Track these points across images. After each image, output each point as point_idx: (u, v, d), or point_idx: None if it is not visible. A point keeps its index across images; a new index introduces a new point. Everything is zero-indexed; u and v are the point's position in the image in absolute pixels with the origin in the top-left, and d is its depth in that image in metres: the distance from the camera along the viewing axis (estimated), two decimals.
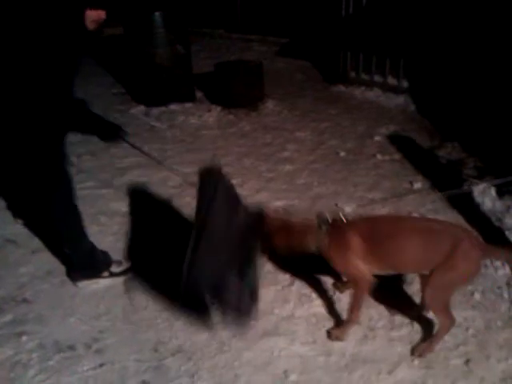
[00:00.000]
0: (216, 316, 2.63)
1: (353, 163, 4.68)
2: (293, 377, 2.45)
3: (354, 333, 2.68)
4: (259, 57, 7.78)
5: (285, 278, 3.13)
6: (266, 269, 3.20)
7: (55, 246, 3.32)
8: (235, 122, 5.71)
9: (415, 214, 3.67)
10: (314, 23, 8.34)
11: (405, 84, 6.24)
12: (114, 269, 3.13)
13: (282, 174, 4.50)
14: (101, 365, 2.57)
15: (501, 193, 3.73)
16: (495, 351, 2.53)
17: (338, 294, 2.98)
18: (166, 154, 4.90)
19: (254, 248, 2.65)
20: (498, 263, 3.10)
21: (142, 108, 6.13)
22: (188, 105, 6.01)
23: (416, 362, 2.49)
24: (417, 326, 2.70)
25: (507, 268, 3.06)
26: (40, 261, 3.33)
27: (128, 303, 2.96)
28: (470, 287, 2.94)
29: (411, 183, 4.23)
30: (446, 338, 2.60)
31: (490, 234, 3.40)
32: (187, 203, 3.78)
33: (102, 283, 3.09)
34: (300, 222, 2.67)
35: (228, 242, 2.47)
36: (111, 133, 3.03)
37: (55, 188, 2.84)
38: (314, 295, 2.98)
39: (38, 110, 2.58)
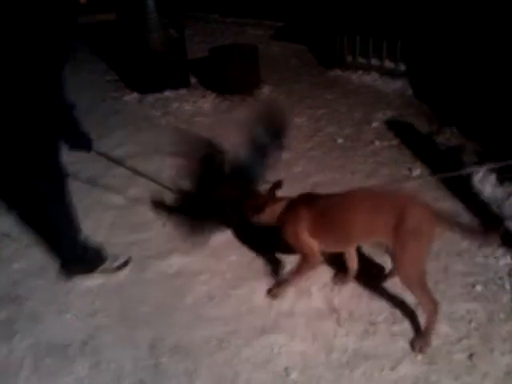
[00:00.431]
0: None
1: (350, 150, 4.58)
2: (294, 374, 2.39)
3: (354, 327, 2.62)
4: (254, 41, 7.61)
5: (283, 272, 3.04)
6: (266, 261, 3.12)
7: (49, 240, 3.23)
8: (231, 108, 5.58)
9: None
10: (310, 6, 8.15)
11: (402, 67, 6.11)
12: (109, 264, 3.04)
13: (279, 162, 4.39)
14: (97, 364, 2.50)
15: (501, 180, 3.64)
16: (499, 344, 2.47)
17: (338, 287, 2.90)
18: (159, 142, 4.78)
19: None
20: (498, 253, 3.02)
21: (135, 95, 6.00)
22: (182, 91, 5.87)
23: (419, 357, 2.42)
24: (419, 320, 2.61)
25: (509, 258, 2.99)
26: (34, 256, 3.24)
27: (124, 299, 2.87)
28: (471, 279, 2.88)
29: (410, 170, 4.14)
30: (449, 331, 2.54)
31: (490, 221, 3.33)
32: (182, 195, 3.69)
33: (97, 279, 3.00)
34: (264, 196, 2.82)
35: None
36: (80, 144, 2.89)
37: (48, 182, 2.74)
38: (313, 289, 2.90)
39: (29, 100, 2.46)
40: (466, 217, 3.42)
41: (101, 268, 3.03)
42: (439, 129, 4.79)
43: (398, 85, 5.96)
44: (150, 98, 5.89)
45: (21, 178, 2.97)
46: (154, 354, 2.53)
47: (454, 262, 3.04)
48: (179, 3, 6.05)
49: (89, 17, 8.23)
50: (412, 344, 2.48)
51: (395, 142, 4.66)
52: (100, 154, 3.05)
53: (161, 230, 3.50)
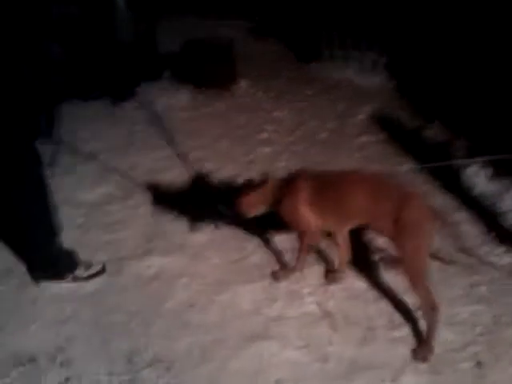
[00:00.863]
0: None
1: (335, 145, 4.37)
2: None
3: (351, 333, 2.40)
4: (230, 36, 7.33)
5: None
6: (252, 262, 2.88)
7: (14, 242, 2.92)
8: (207, 102, 5.31)
9: None
10: (286, 0, 7.91)
11: (383, 60, 5.91)
12: (81, 272, 2.75)
13: (261, 157, 4.17)
14: (67, 379, 2.24)
15: (493, 175, 3.47)
16: (507, 350, 2.27)
17: (331, 288, 2.68)
18: (134, 138, 4.49)
19: None
20: (500, 251, 2.85)
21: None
22: (157, 85, 5.56)
23: (422, 366, 2.21)
24: (420, 324, 2.41)
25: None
26: None
27: (98, 306, 2.60)
28: (472, 278, 2.68)
29: (399, 165, 3.94)
30: (453, 337, 2.36)
31: (483, 217, 3.17)
32: (159, 192, 3.44)
33: (66, 286, 2.71)
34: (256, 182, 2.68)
35: None
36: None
37: (21, 182, 2.45)
38: (304, 291, 2.68)
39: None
40: (458, 212, 3.24)
41: (72, 275, 2.73)
42: (425, 123, 4.61)
43: (379, 79, 5.77)
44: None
45: None
46: (131, 367, 2.28)
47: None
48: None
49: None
50: (414, 353, 2.28)
51: (381, 136, 4.47)
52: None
53: (137, 228, 3.23)
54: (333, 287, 2.69)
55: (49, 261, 2.68)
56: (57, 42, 5.24)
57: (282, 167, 3.98)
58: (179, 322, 2.50)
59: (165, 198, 3.42)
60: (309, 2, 6.57)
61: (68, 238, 2.96)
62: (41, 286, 2.70)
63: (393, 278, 2.67)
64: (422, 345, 2.29)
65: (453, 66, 4.96)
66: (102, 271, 2.81)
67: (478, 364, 2.22)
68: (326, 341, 2.37)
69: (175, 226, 3.21)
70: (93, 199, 3.52)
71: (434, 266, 2.73)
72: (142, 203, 3.44)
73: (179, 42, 5.95)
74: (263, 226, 3.08)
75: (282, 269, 2.81)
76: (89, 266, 2.80)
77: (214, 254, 2.99)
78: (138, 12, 5.59)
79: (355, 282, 2.73)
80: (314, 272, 2.81)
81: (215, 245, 3.07)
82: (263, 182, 2.65)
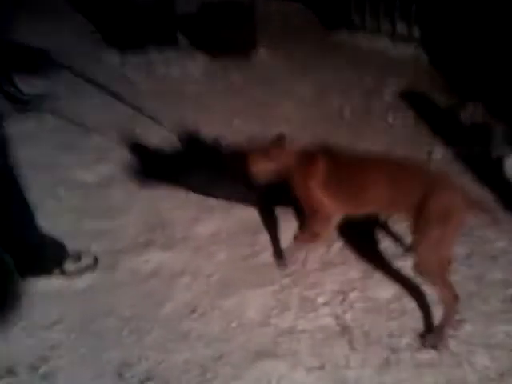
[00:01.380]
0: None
1: (360, 126, 4.01)
2: None
3: (371, 354, 2.12)
4: None
5: (284, 274, 2.52)
6: (262, 260, 2.59)
7: None
8: (224, 74, 4.94)
9: None
10: None
11: (416, 32, 5.45)
12: (71, 264, 2.49)
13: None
14: None
15: None
16: None
17: (350, 298, 2.38)
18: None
19: None
20: None
21: (116, 55, 5.29)
22: (169, 52, 5.20)
23: None
24: (451, 345, 2.11)
25: None
26: None
27: (88, 308, 2.34)
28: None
29: (429, 153, 3.58)
30: (487, 363, 2.08)
31: None
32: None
33: (55, 282, 2.45)
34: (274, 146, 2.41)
35: None
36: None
37: None
38: (320, 299, 2.39)
39: None
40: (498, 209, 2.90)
41: (60, 268, 2.47)
42: (460, 103, 4.20)
43: (411, 51, 5.32)
44: (133, 59, 5.21)
45: None
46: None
47: (489, 269, 2.53)
48: None
49: None
50: (422, 338, 2.12)
51: (411, 117, 4.10)
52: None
53: (137, 216, 2.96)
54: (352, 296, 2.39)
55: (32, 252, 2.41)
56: None
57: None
58: (177, 332, 2.23)
59: (169, 181, 3.12)
60: None
61: (61, 224, 2.72)
62: (26, 283, 2.43)
63: (420, 288, 2.36)
64: (434, 331, 2.12)
65: (495, 39, 4.51)
66: (94, 265, 2.54)
67: None
68: (342, 362, 2.09)
69: (178, 215, 2.93)
70: (92, 180, 3.23)
71: (467, 275, 2.43)
72: (145, 186, 3.13)
73: (196, 2, 5.53)
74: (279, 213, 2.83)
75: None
76: (78, 257, 2.53)
77: (220, 248, 2.70)
78: None
79: (377, 292, 2.43)
80: (330, 276, 2.50)
81: (222, 238, 2.79)
82: (278, 142, 2.40)
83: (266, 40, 5.51)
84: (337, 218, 2.45)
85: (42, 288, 2.42)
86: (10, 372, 2.06)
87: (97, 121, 3.79)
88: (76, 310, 2.34)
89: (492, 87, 4.20)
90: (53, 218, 2.71)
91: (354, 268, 2.57)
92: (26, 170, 2.34)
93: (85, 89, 3.75)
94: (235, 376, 2.04)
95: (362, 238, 2.74)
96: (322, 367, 2.07)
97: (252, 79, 4.84)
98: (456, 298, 2.09)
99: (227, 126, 3.90)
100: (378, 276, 2.51)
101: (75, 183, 3.19)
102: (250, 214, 2.92)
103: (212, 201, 3.02)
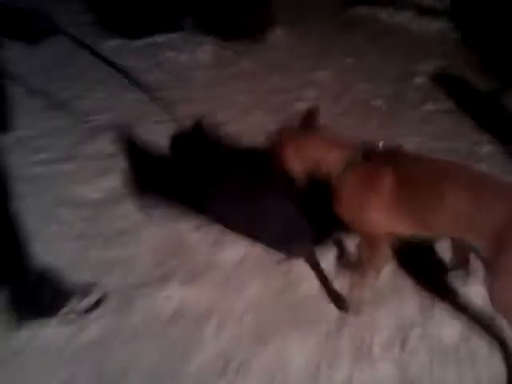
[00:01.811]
0: None
1: (394, 116, 3.59)
2: None
3: None
4: None
5: (332, 313, 2.14)
6: (298, 294, 2.22)
7: None
8: (235, 59, 4.51)
9: None
10: None
11: (444, 3, 4.96)
12: (75, 305, 2.12)
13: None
14: None
15: None
16: None
17: (411, 336, 2.01)
18: (147, 105, 3.74)
19: None
20: None
21: (117, 42, 4.85)
22: (175, 37, 4.76)
23: None
24: None
25: None
26: None
27: (99, 363, 1.98)
28: None
29: (478, 145, 3.17)
30: None
31: None
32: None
33: (58, 329, 2.08)
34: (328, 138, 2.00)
35: None
36: None
37: None
38: (377, 342, 2.01)
39: None
40: None
41: (63, 311, 2.11)
42: (503, 87, 3.77)
43: (439, 26, 4.86)
44: (137, 44, 4.76)
45: None
46: None
47: None
48: None
49: None
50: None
51: (450, 103, 3.68)
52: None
53: (151, 240, 2.57)
54: (413, 337, 2.02)
55: (29, 295, 2.04)
56: None
57: None
58: None
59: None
60: None
61: (62, 256, 2.34)
62: (22, 333, 2.06)
63: (493, 323, 2.00)
64: None
65: None
66: (101, 301, 2.18)
67: None
68: None
69: (198, 238, 2.54)
70: (96, 197, 2.85)
71: None
72: (157, 203, 2.75)
73: None
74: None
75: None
76: (84, 294, 2.17)
77: (250, 280, 2.33)
78: None
79: (441, 330, 2.06)
80: (384, 311, 2.14)
81: (250, 266, 2.41)
82: (314, 130, 2.00)
83: (281, 18, 5.04)
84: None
85: (41, 342, 2.05)
86: None
87: (96, 118, 3.37)
88: (84, 366, 1.97)
89: None
90: (51, 248, 2.33)
91: (410, 299, 2.20)
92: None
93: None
94: None
95: (413, 259, 2.36)
96: None
97: (266, 65, 4.41)
98: None
99: (240, 122, 3.48)
100: (439, 308, 2.13)
101: (76, 202, 2.79)
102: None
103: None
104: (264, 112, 3.67)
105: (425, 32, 4.85)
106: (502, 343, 1.97)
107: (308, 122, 2.01)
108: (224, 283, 2.31)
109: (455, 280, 2.23)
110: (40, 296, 2.10)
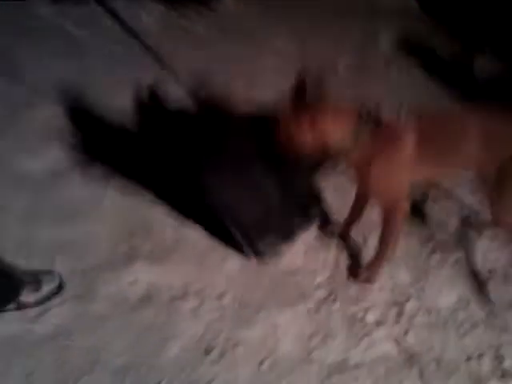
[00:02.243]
0: None
1: (359, 84, 3.46)
2: None
3: None
4: None
5: (317, 288, 2.00)
6: (282, 267, 2.05)
7: None
8: (184, 24, 4.23)
9: None
10: None
11: None
12: (28, 295, 1.86)
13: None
14: None
15: None
16: None
17: (407, 308, 1.89)
18: (88, 74, 3.42)
19: None
20: None
21: (52, 7, 4.46)
22: (117, 2, 4.41)
23: None
24: None
25: None
26: None
27: (62, 361, 1.73)
28: None
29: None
30: None
31: None
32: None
33: (12, 326, 1.82)
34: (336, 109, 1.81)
35: None
36: None
37: None
38: (371, 317, 1.91)
39: None
40: None
41: (16, 302, 1.85)
42: (467, 52, 3.73)
43: None
44: (72, 11, 4.39)
45: None
46: None
47: None
48: None
49: None
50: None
51: (415, 71, 3.59)
52: None
53: (108, 217, 2.32)
54: (409, 309, 1.91)
55: None
56: None
57: None
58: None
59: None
60: None
61: (6, 238, 2.05)
62: None
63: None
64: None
65: None
66: (59, 289, 1.93)
67: None
68: None
69: (164, 212, 2.31)
70: (40, 169, 2.54)
71: None
72: (112, 174, 2.49)
73: None
74: None
75: (368, 266, 2.01)
76: (37, 282, 1.91)
77: (227, 254, 2.14)
78: None
79: (438, 298, 1.95)
80: (376, 282, 2.00)
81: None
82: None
83: None
84: None
85: None
86: None
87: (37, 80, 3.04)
88: (46, 364, 1.73)
89: (502, 33, 3.74)
90: None
91: (403, 267, 2.07)
92: None
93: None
94: None
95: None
96: None
97: (220, 32, 4.15)
98: None
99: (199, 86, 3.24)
100: (434, 275, 2.03)
101: (18, 176, 2.48)
102: None
103: None
104: (225, 82, 3.44)
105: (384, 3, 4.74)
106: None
107: (302, 94, 1.80)
108: (197, 260, 2.12)
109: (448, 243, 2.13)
110: None
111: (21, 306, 1.87)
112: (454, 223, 2.28)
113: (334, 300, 1.95)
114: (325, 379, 1.70)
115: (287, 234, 2.12)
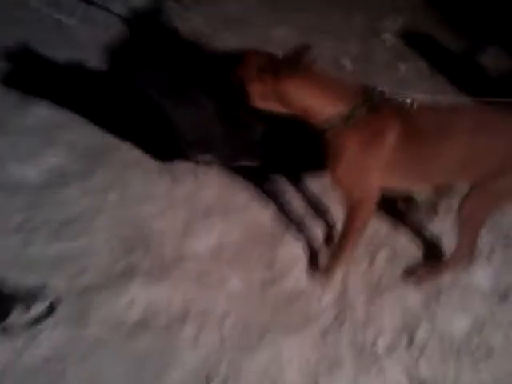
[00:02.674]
0: None
1: (366, 77, 3.33)
2: None
3: None
4: None
5: (324, 310, 1.92)
6: (287, 288, 1.98)
7: None
8: (179, 13, 4.08)
9: None
10: None
11: None
12: (19, 315, 1.78)
13: None
14: None
15: None
16: None
17: (418, 334, 1.83)
18: (83, 65, 3.30)
19: None
20: None
21: None
22: None
23: None
24: None
25: None
26: None
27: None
28: None
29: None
30: None
31: None
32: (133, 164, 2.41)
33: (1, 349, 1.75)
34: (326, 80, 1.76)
35: None
36: None
37: None
38: (381, 344, 1.82)
39: None
40: None
41: (5, 323, 1.77)
42: (476, 46, 3.61)
43: None
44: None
45: None
46: None
47: None
48: None
49: None
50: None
51: (423, 64, 3.47)
52: None
53: (107, 229, 2.24)
54: (420, 335, 1.84)
55: None
56: None
57: None
58: None
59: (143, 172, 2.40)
60: None
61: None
62: None
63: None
64: None
65: None
66: (49, 313, 1.85)
67: None
68: None
69: (164, 224, 2.23)
70: (37, 178, 2.44)
71: None
72: (111, 182, 2.39)
73: None
74: None
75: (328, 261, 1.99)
76: (31, 299, 1.84)
77: (230, 271, 2.07)
78: None
79: (449, 323, 1.87)
80: (385, 305, 1.92)
81: (227, 256, 2.15)
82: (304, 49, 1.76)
83: None
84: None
85: None
86: None
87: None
88: None
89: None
90: None
91: (411, 291, 1.99)
92: None
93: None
94: None
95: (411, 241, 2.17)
96: None
97: (218, 20, 4.01)
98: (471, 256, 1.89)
99: None
100: (446, 297, 1.95)
101: (13, 185, 2.38)
102: (259, 215, 2.25)
103: (205, 198, 2.32)
104: None
105: None
106: None
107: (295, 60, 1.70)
108: (198, 279, 2.04)
109: (458, 265, 2.05)
110: None
111: (12, 326, 1.80)
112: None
113: (342, 324, 1.87)
114: None
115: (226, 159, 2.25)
